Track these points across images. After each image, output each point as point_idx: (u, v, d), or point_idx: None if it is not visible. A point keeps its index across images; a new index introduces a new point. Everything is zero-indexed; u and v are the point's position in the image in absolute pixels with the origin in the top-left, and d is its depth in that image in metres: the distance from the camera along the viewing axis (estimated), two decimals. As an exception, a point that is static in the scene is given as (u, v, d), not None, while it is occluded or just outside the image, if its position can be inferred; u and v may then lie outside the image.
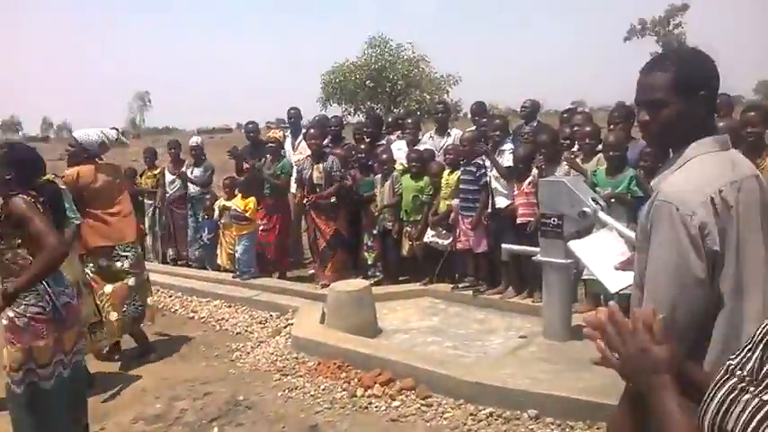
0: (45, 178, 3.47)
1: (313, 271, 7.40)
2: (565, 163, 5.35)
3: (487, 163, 5.82)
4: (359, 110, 21.72)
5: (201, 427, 4.01)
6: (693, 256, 1.60)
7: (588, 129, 5.65)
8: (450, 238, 6.22)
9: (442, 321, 5.64)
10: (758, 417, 1.04)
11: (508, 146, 5.86)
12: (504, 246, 5.21)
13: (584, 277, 4.99)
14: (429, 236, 6.38)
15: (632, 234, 3.82)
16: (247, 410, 4.18)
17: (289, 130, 8.63)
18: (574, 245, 3.88)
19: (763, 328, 1.15)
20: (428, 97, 21.15)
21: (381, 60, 21.37)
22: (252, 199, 7.18)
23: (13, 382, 3.02)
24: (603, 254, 3.30)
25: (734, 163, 1.72)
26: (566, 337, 4.63)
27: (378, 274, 6.75)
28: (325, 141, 7.50)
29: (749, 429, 1.04)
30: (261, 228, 7.31)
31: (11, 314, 2.99)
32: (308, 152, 7.45)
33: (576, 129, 5.95)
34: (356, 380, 4.42)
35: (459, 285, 6.16)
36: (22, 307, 2.99)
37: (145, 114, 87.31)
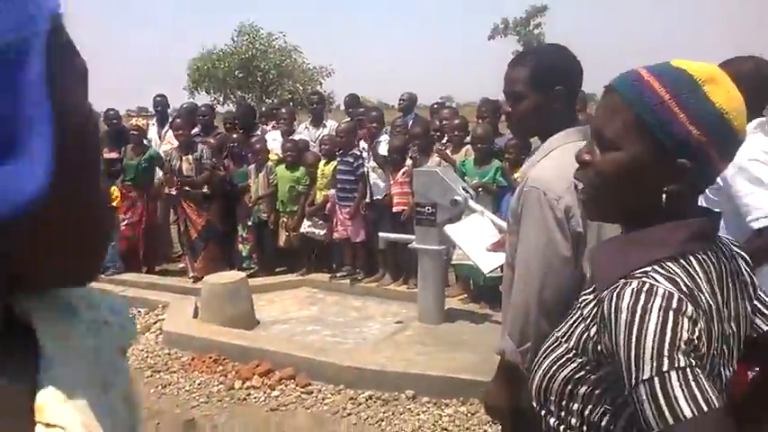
0: None
1: (183, 265, 7.14)
2: (436, 154, 5.55)
3: (364, 154, 5.91)
4: (229, 99, 21.14)
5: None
6: (560, 237, 1.74)
7: (457, 122, 5.90)
8: (327, 228, 6.26)
9: (320, 310, 5.68)
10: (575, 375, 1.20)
11: (384, 137, 5.98)
12: (380, 234, 5.33)
13: (454, 262, 5.20)
14: (306, 226, 6.38)
15: (499, 220, 4.07)
16: (118, 410, 3.99)
17: (154, 119, 8.26)
18: (449, 229, 4.05)
19: (582, 300, 1.29)
20: (301, 88, 21.02)
21: (252, 49, 20.92)
22: (113, 188, 6.81)
23: None
24: (476, 237, 3.48)
25: None
26: (439, 321, 4.82)
27: (253, 266, 6.66)
28: (195, 131, 7.28)
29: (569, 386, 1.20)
30: (125, 222, 6.95)
31: None
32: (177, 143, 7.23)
33: (444, 122, 6.18)
34: (233, 372, 4.35)
35: (337, 275, 6.23)
36: None
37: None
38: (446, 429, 3.56)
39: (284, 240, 6.54)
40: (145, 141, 7.27)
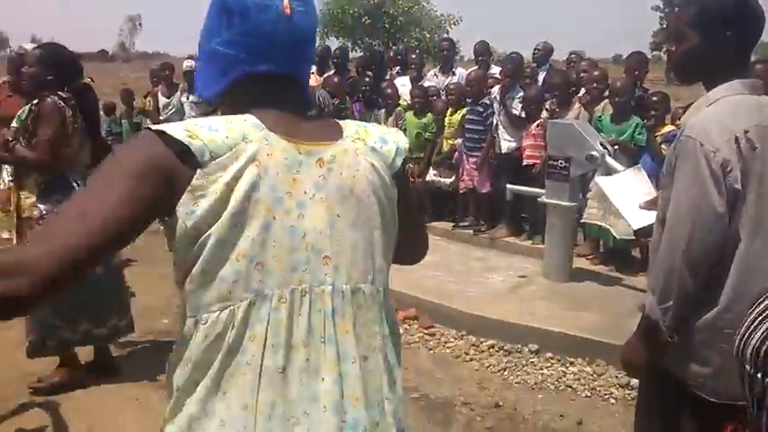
0: (82, 82, 3.42)
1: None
2: (576, 106, 5.35)
3: (495, 104, 5.80)
4: (356, 45, 21.28)
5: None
6: (714, 191, 1.64)
7: (596, 73, 5.61)
8: (453, 178, 6.26)
9: (442, 258, 5.70)
10: None
11: (518, 92, 5.79)
12: (508, 186, 5.25)
13: (584, 221, 5.05)
14: (431, 174, 6.40)
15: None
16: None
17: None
18: (602, 180, 3.92)
19: None
20: (428, 36, 20.80)
21: (381, -6, 20.90)
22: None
23: None
24: (630, 192, 3.35)
25: (762, 107, 1.74)
26: (565, 279, 4.73)
27: (377, 209, 6.78)
28: (329, 73, 7.43)
29: None
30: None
31: (43, 208, 3.13)
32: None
33: (582, 74, 5.90)
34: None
35: (460, 224, 6.24)
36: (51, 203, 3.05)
37: (135, 38, 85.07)
38: (570, 387, 3.53)
39: (409, 186, 6.59)
40: None
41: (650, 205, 2.33)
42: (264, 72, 1.15)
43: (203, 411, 1.07)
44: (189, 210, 1.03)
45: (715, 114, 1.71)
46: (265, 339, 1.07)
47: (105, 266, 3.23)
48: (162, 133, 1.04)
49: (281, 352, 1.07)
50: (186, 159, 1.04)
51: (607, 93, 5.34)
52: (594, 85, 5.45)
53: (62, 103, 3.18)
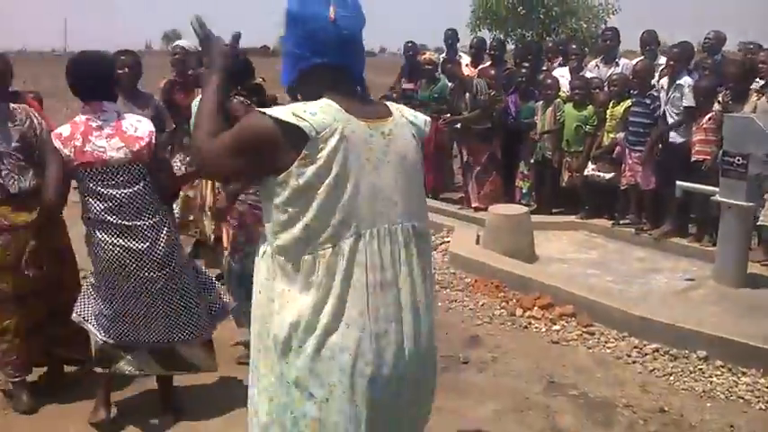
0: (254, 82, 3.73)
1: (462, 195, 7.45)
2: (753, 98, 4.95)
3: (662, 95, 5.52)
4: (509, 37, 20.94)
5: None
6: None
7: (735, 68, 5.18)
8: (614, 173, 6.03)
9: (600, 256, 5.57)
10: None
11: (686, 80, 5.46)
12: (678, 183, 4.96)
13: (760, 223, 4.69)
14: (590, 168, 6.22)
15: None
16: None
17: (444, 53, 8.56)
18: None
19: None
20: (584, 26, 20.04)
21: (537, -16, 20.40)
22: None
23: (234, 260, 3.48)
24: None
25: None
26: (739, 284, 4.43)
27: (531, 203, 6.70)
28: (486, 65, 7.42)
29: None
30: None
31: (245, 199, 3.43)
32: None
33: (762, 65, 5.41)
34: (514, 300, 4.53)
35: (620, 222, 6.01)
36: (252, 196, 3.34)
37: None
38: (742, 398, 3.32)
39: (567, 181, 6.47)
40: (437, 74, 7.59)
41: None
42: (322, 64, 1.60)
43: (333, 320, 1.55)
44: (300, 172, 1.50)
45: None
46: (366, 264, 1.56)
47: None
48: (271, 115, 1.51)
49: (376, 272, 1.58)
50: (293, 134, 1.49)
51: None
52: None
53: (247, 103, 3.46)
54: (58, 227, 3.16)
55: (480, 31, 21.92)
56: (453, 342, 4.00)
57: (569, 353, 3.86)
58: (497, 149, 6.71)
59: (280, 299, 1.61)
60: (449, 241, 5.86)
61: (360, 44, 1.68)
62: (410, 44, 8.47)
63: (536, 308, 4.36)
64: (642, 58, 6.48)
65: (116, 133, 2.76)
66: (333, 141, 1.51)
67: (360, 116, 1.58)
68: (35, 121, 3.13)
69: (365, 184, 1.57)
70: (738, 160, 4.24)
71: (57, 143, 2.73)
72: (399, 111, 1.72)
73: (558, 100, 6.44)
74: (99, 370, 3.03)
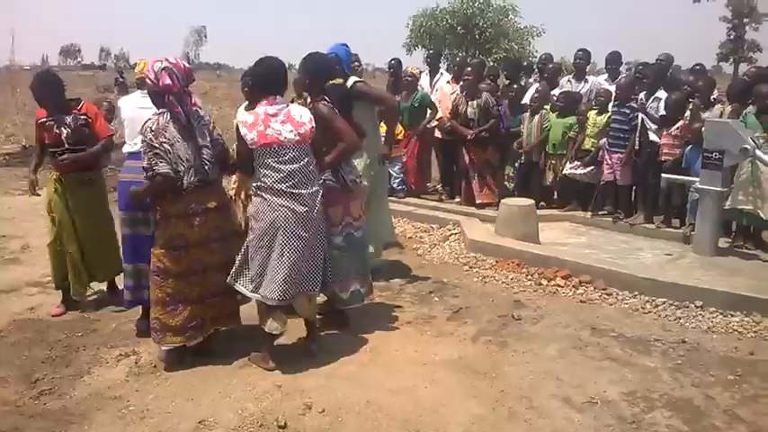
0: (332, 82, 4.43)
1: (438, 196, 8.35)
2: (717, 107, 6.09)
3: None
4: (445, 57, 22.18)
5: (423, 296, 5.09)
6: None
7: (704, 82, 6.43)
8: (589, 169, 7.07)
9: (589, 240, 6.59)
10: None
11: (662, 93, 6.58)
12: (663, 175, 6.05)
13: (728, 207, 5.80)
14: (567, 168, 7.26)
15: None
16: (455, 288, 5.25)
17: (428, 70, 9.49)
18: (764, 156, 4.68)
19: None
20: (516, 47, 21.57)
21: (472, 8, 21.75)
22: (398, 126, 8.13)
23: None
24: None
25: None
26: (714, 254, 5.53)
27: (517, 200, 7.67)
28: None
29: None
30: (403, 154, 8.30)
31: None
32: (448, 90, 8.42)
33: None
34: (537, 274, 5.43)
35: (599, 213, 7.07)
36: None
37: (200, 49, 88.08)
38: (737, 330, 4.36)
39: (551, 180, 7.50)
40: (417, 86, 8.47)
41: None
42: None
43: None
44: None
45: None
46: None
47: None
48: None
49: None
50: None
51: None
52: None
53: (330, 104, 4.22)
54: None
55: (417, 50, 23.15)
56: (501, 305, 4.86)
57: (597, 309, 4.80)
58: (493, 156, 7.66)
59: None
60: (457, 232, 6.74)
61: None
62: (394, 61, 9.35)
63: (558, 278, 5.28)
64: (624, 75, 7.62)
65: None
66: None
67: None
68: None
69: None
70: (716, 155, 5.35)
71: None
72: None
73: (545, 110, 7.47)
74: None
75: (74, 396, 3.53)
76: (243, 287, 3.72)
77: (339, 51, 4.98)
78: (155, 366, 3.84)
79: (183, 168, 3.54)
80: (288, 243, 3.61)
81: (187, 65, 3.68)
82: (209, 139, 3.67)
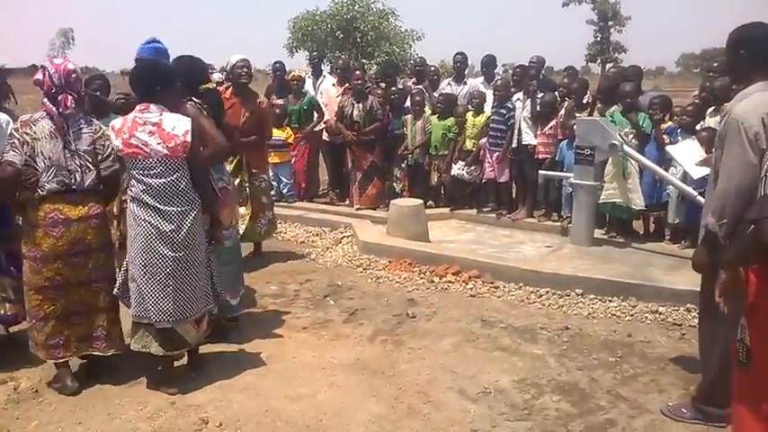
0: (205, 87, 4.24)
1: (332, 199, 8.37)
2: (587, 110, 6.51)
3: (518, 104, 6.93)
4: (327, 60, 22.23)
5: (318, 300, 5.06)
6: (750, 151, 2.75)
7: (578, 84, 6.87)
8: (472, 168, 7.33)
9: (475, 236, 6.83)
10: None
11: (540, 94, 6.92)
12: (540, 172, 6.37)
13: (601, 201, 6.18)
14: (455, 169, 7.48)
15: (648, 162, 5.14)
16: (350, 290, 5.26)
17: (311, 72, 9.47)
18: (670, 148, 5.02)
19: None
20: (397, 50, 21.99)
21: (352, 11, 21.94)
22: (288, 129, 8.07)
23: None
24: (689, 155, 4.49)
25: None
26: (589, 244, 5.88)
27: (405, 201, 7.81)
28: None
29: None
30: (293, 157, 8.24)
31: None
32: (334, 92, 8.45)
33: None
34: (429, 272, 5.55)
35: (484, 210, 7.34)
36: None
37: (67, 52, 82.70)
38: (615, 315, 4.66)
39: (436, 180, 7.69)
40: (303, 90, 8.44)
41: (704, 163, 3.45)
42: None
43: None
44: None
45: (749, 104, 2.84)
46: None
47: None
48: None
49: None
50: None
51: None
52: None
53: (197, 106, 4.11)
54: (108, 222, 3.59)
55: (298, 52, 23.07)
56: (396, 305, 4.92)
57: (486, 302, 4.97)
58: (378, 158, 7.74)
59: None
60: (349, 235, 6.76)
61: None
62: (278, 64, 9.25)
63: (449, 274, 5.43)
64: (501, 76, 7.92)
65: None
66: None
67: None
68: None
69: None
70: (587, 151, 5.70)
71: None
72: None
73: (427, 113, 7.65)
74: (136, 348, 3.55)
75: (-61, 432, 3.21)
76: (128, 302, 3.52)
77: (155, 50, 4.61)
78: (36, 392, 3.56)
79: (42, 166, 3.31)
80: (151, 262, 3.39)
81: (70, 67, 3.43)
82: (90, 146, 3.44)
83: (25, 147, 3.28)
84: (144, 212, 3.36)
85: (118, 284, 3.53)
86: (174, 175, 3.39)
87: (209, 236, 3.67)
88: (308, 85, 8.98)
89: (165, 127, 3.38)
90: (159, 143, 3.35)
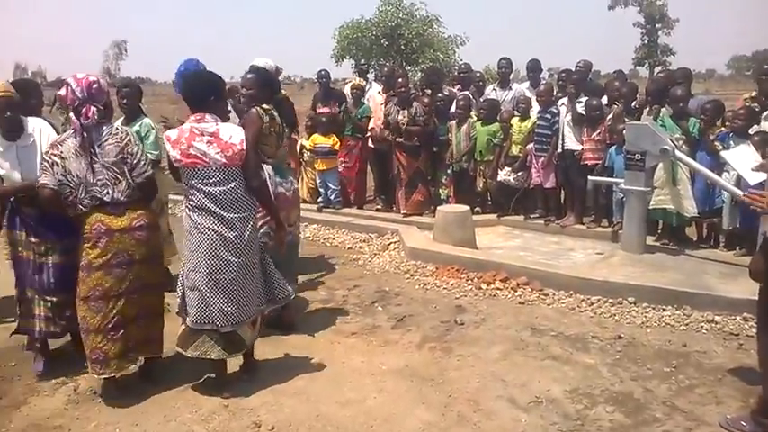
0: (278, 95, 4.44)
1: (379, 206, 8.38)
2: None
3: (563, 109, 6.85)
4: (371, 67, 22.36)
5: (366, 306, 5.08)
6: None
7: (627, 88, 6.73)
8: (519, 174, 7.26)
9: (523, 243, 6.76)
10: None
11: (584, 99, 6.83)
12: (590, 178, 6.28)
13: (651, 207, 6.06)
14: (502, 175, 7.43)
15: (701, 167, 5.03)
16: (397, 296, 5.27)
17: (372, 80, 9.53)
18: (725, 154, 4.94)
19: None
20: (441, 57, 21.97)
21: (396, 18, 22.02)
22: (333, 136, 8.15)
23: None
24: (744, 160, 4.39)
25: None
26: (641, 251, 5.76)
27: (451, 207, 7.79)
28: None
29: None
30: (342, 165, 8.31)
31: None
32: (380, 100, 8.47)
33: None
34: (476, 278, 5.52)
35: (531, 216, 7.26)
36: None
37: (120, 64, 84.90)
38: (669, 324, 4.55)
39: (481, 186, 7.65)
40: (362, 99, 8.49)
41: (761, 168, 3.36)
42: None
43: None
44: None
45: None
46: None
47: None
48: None
49: None
50: None
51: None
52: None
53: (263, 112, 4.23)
54: (156, 234, 3.68)
55: (344, 60, 23.25)
56: (444, 311, 4.91)
57: (535, 309, 4.92)
58: (423, 164, 7.75)
59: None
60: (396, 241, 6.78)
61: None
62: (323, 72, 9.33)
63: (497, 281, 5.38)
64: (546, 81, 7.85)
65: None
66: None
67: None
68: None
69: None
70: (638, 157, 5.59)
71: None
72: None
73: (471, 119, 7.62)
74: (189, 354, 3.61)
75: (11, 428, 3.33)
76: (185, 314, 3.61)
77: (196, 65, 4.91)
78: (95, 393, 3.66)
79: (72, 184, 3.41)
80: (217, 268, 3.47)
81: (92, 79, 3.52)
82: (117, 157, 3.49)
83: (56, 167, 3.38)
84: (207, 220, 3.45)
85: (178, 303, 3.63)
86: (233, 183, 3.49)
87: (276, 240, 3.97)
88: (373, 92, 8.95)
89: (223, 136, 3.46)
90: (218, 152, 3.43)
